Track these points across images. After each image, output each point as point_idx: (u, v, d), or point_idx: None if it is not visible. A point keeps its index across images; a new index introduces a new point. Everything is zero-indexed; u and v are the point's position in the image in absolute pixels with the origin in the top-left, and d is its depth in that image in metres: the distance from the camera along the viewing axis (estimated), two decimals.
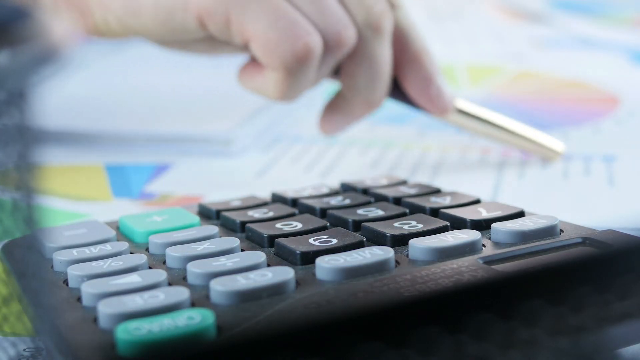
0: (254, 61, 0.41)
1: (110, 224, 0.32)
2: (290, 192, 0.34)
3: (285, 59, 0.39)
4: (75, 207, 0.40)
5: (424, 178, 0.43)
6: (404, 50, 0.43)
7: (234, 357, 0.17)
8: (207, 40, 0.41)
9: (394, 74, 0.43)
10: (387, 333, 0.18)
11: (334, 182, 0.38)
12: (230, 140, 0.48)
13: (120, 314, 0.22)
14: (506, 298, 0.19)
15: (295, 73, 0.39)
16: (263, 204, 0.33)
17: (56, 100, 0.54)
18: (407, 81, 0.43)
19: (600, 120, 0.52)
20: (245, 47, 0.40)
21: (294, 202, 0.33)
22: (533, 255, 0.26)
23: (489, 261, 0.25)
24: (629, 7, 0.91)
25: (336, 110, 0.43)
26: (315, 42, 0.39)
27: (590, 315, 0.20)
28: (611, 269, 0.21)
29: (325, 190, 0.35)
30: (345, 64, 0.42)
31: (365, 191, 0.34)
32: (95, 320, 0.23)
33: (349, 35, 0.40)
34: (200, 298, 0.24)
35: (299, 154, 0.48)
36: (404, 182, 0.36)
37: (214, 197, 0.39)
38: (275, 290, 0.24)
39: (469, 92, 0.60)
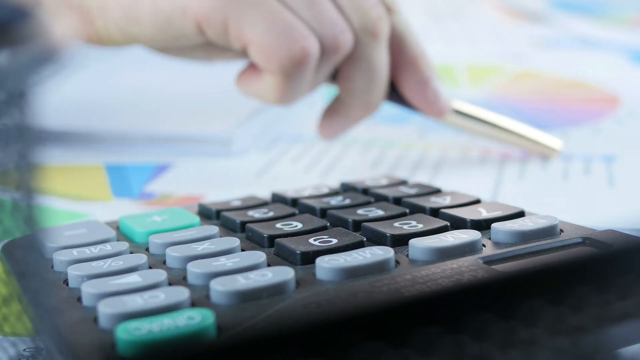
0: (252, 66, 0.42)
1: (110, 224, 0.32)
2: (290, 192, 0.34)
3: (283, 63, 0.39)
4: (75, 207, 0.40)
5: (424, 178, 0.43)
6: (401, 54, 0.43)
7: (234, 357, 0.17)
8: (206, 46, 0.42)
9: (391, 78, 0.44)
10: (387, 333, 0.18)
11: (334, 182, 0.38)
12: (230, 140, 0.48)
13: (120, 314, 0.22)
14: (506, 298, 0.19)
15: (292, 77, 0.40)
16: (263, 204, 0.33)
17: (56, 100, 0.54)
18: (404, 84, 0.44)
19: (600, 120, 0.52)
20: (243, 53, 0.41)
21: (294, 202, 0.33)
22: (533, 255, 0.26)
23: (489, 261, 0.25)
24: (629, 7, 0.91)
25: (335, 115, 0.44)
26: (313, 46, 0.39)
27: (590, 315, 0.20)
28: (611, 269, 0.21)
29: (325, 190, 0.35)
30: (343, 68, 0.42)
31: (365, 191, 0.34)
32: (95, 320, 0.23)
33: (346, 40, 0.40)
34: (200, 298, 0.24)
35: (299, 154, 0.48)
36: (404, 182, 0.36)
37: (214, 197, 0.39)
38: (275, 290, 0.24)
39: (469, 92, 0.60)
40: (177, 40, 0.41)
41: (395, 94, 0.44)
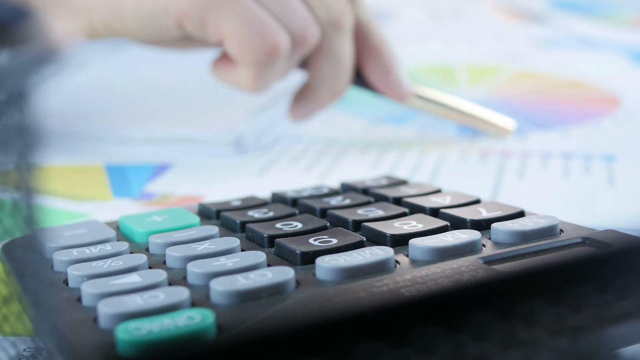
0: (225, 56, 0.45)
1: (110, 224, 0.32)
2: (290, 192, 0.34)
3: (257, 56, 0.43)
4: (75, 207, 0.40)
5: (424, 178, 0.43)
6: (365, 42, 0.47)
7: (234, 357, 0.17)
8: (183, 39, 0.45)
9: (356, 65, 0.48)
10: (387, 333, 0.18)
11: (334, 182, 0.38)
12: (230, 140, 0.48)
13: (120, 314, 0.22)
14: (506, 298, 0.19)
15: (265, 68, 0.43)
16: (263, 204, 0.33)
17: (56, 100, 0.54)
18: (368, 71, 0.48)
19: (600, 120, 0.52)
20: (218, 45, 0.44)
21: (294, 202, 0.33)
22: (533, 255, 0.26)
23: (489, 261, 0.25)
24: (629, 7, 0.91)
25: (304, 99, 0.47)
26: (284, 41, 0.43)
27: (590, 315, 0.20)
28: (611, 269, 0.21)
29: (325, 190, 0.35)
30: (311, 58, 0.46)
31: (365, 191, 0.34)
32: (95, 320, 0.23)
33: (313, 34, 0.44)
34: (200, 298, 0.24)
35: (299, 154, 0.48)
36: (404, 182, 0.36)
37: (214, 197, 0.39)
38: (275, 290, 0.24)
39: (469, 92, 0.60)
40: (158, 34, 0.44)
41: (360, 80, 0.48)
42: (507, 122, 0.50)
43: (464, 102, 0.50)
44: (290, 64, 0.45)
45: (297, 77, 0.49)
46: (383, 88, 0.48)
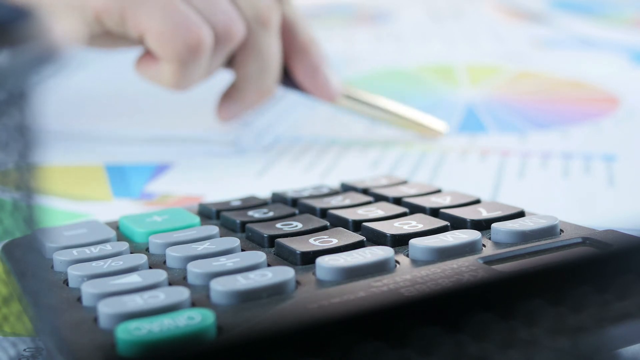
0: (149, 52, 0.44)
1: (110, 224, 0.32)
2: (290, 192, 0.34)
3: (178, 51, 0.42)
4: (75, 207, 0.40)
5: (424, 178, 0.43)
6: (292, 41, 0.46)
7: (234, 357, 0.17)
8: (104, 35, 0.44)
9: (284, 64, 0.47)
10: (387, 333, 0.18)
11: (334, 182, 0.38)
12: (230, 140, 0.48)
13: (120, 314, 0.22)
14: (506, 298, 0.19)
15: (187, 64, 0.42)
16: (263, 204, 0.33)
17: (56, 100, 0.54)
18: (296, 70, 0.47)
19: (600, 120, 0.52)
20: (140, 41, 0.43)
21: (294, 202, 0.33)
22: (533, 255, 0.26)
23: (489, 261, 0.25)
24: (629, 7, 0.92)
25: (231, 99, 0.47)
26: (206, 35, 0.42)
27: (590, 315, 0.20)
28: (611, 269, 0.21)
29: (325, 190, 0.35)
30: (237, 56, 0.45)
31: (365, 191, 0.34)
32: (95, 320, 0.23)
33: (238, 29, 0.43)
34: (200, 298, 0.24)
35: (299, 154, 0.48)
36: (404, 182, 0.36)
37: (214, 197, 0.39)
38: (275, 290, 0.24)
39: (469, 92, 0.60)
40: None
41: (288, 80, 0.47)
42: (438, 125, 0.49)
43: (395, 104, 0.49)
44: (215, 61, 0.44)
45: (225, 77, 0.48)
46: (311, 88, 0.47)
